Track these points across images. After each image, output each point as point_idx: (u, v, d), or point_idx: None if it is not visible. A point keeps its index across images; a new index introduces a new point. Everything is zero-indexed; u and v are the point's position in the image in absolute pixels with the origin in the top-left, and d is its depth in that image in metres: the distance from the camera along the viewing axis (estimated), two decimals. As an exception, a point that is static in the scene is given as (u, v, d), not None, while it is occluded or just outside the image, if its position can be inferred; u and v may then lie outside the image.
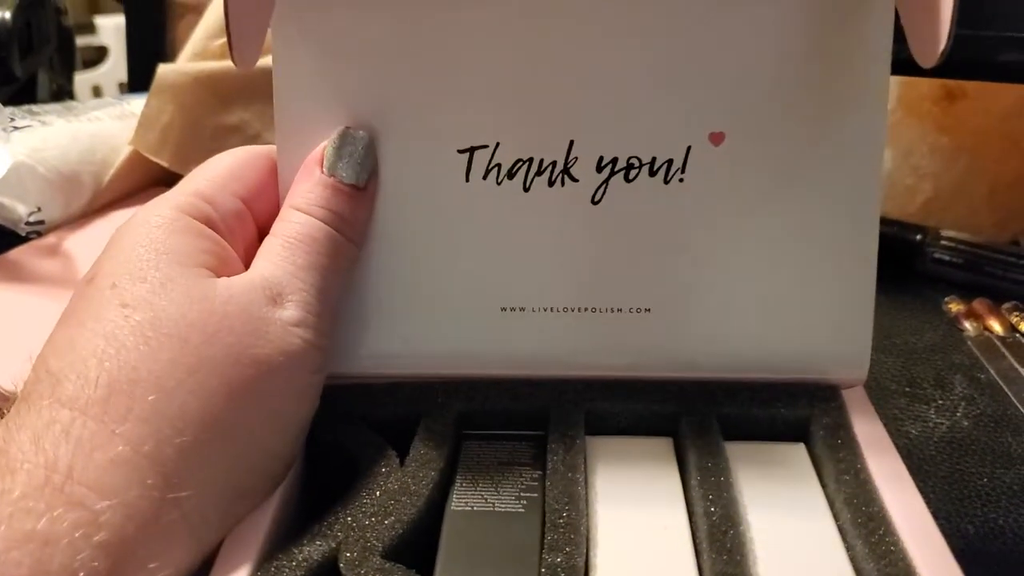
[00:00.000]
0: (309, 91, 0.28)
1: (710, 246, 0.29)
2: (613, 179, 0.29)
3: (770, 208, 0.29)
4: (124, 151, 0.53)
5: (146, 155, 0.52)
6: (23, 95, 0.62)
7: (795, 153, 0.28)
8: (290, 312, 0.25)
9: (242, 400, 0.24)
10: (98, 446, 0.21)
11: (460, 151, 0.28)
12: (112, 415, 0.22)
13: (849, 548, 0.25)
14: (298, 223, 0.27)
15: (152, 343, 0.23)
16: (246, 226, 0.28)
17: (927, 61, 0.25)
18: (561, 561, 0.23)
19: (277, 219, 0.27)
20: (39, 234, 0.48)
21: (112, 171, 0.52)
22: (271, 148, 0.29)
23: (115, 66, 1.06)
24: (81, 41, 0.99)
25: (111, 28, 1.08)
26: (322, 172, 0.28)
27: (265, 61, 0.28)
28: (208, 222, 0.27)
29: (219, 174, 0.28)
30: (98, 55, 1.10)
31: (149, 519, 0.21)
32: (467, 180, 0.29)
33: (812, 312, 0.29)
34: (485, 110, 0.28)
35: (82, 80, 1.01)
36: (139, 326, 0.23)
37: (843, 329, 0.30)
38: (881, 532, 0.24)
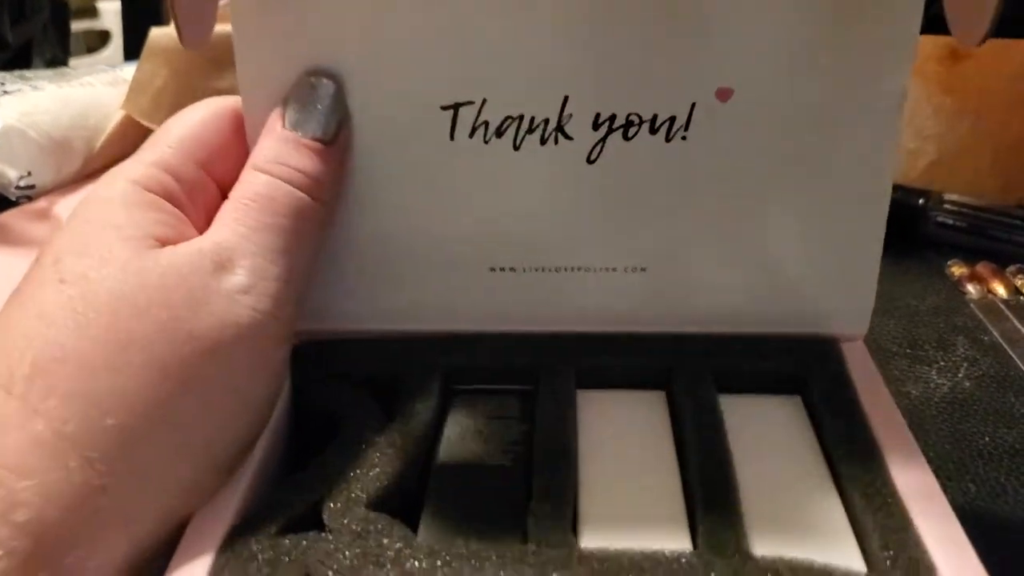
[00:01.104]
0: (272, 40, 0.26)
1: (711, 205, 0.28)
2: (611, 137, 0.27)
3: (777, 166, 0.27)
4: (116, 116, 0.52)
5: (138, 119, 0.51)
6: (18, 65, 0.61)
7: (808, 111, 0.26)
8: (238, 278, 0.23)
9: (179, 382, 0.22)
10: (18, 425, 0.20)
11: (444, 108, 0.26)
12: (35, 394, 0.20)
13: (846, 501, 0.24)
14: (255, 183, 0.25)
15: (81, 319, 0.21)
16: (210, 196, 0.26)
17: (970, 40, 0.23)
18: (549, 510, 0.23)
19: (237, 181, 0.25)
20: (29, 198, 0.47)
21: (104, 136, 0.51)
22: (239, 101, 0.27)
23: (117, 50, 1.05)
24: (83, 25, 0.98)
25: (113, 12, 1.07)
26: (283, 127, 0.25)
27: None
28: (169, 195, 0.25)
29: (182, 138, 0.26)
30: (101, 40, 1.09)
31: (72, 503, 0.20)
32: (452, 139, 0.27)
33: (814, 267, 0.28)
34: (470, 64, 0.26)
35: (84, 65, 1.00)
36: (70, 302, 0.22)
37: (846, 283, 0.29)
38: (879, 485, 0.23)
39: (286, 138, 0.25)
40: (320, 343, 0.29)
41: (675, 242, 0.28)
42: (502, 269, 0.29)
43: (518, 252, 0.29)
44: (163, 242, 0.23)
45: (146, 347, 0.21)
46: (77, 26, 0.92)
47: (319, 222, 0.26)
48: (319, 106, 0.26)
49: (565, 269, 0.29)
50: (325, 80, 0.26)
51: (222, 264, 0.23)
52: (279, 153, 0.25)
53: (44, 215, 0.46)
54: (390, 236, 0.28)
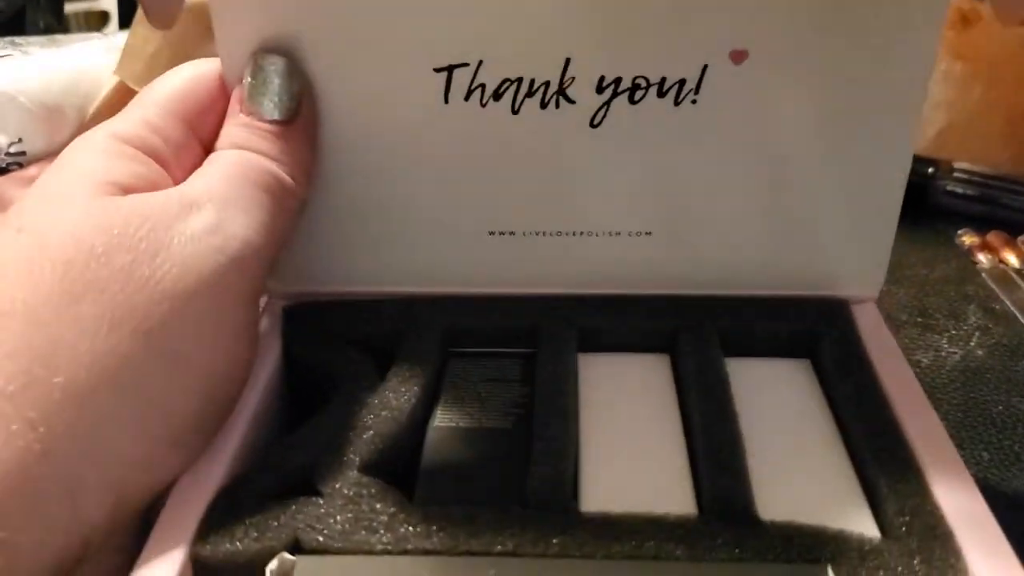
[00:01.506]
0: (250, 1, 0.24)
1: (721, 169, 0.27)
2: (615, 101, 0.26)
3: (792, 130, 0.26)
4: (109, 82, 0.51)
5: (131, 85, 0.50)
6: (12, 32, 0.60)
7: (828, 74, 0.25)
8: (205, 216, 0.22)
9: (133, 335, 0.20)
10: None
11: (437, 70, 0.25)
12: None
13: (859, 463, 0.23)
14: (227, 154, 0.24)
15: (35, 268, 0.20)
16: (195, 156, 0.25)
17: (1009, 20, 0.21)
18: (549, 472, 0.22)
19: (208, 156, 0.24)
20: (20, 165, 0.46)
21: (96, 103, 0.50)
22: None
23: (116, 30, 1.03)
24: (83, 6, 0.96)
25: (112, -9, 1.05)
26: (240, 111, 0.25)
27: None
28: (151, 152, 0.23)
29: (167, 97, 0.24)
30: (101, 20, 1.08)
31: (10, 470, 0.18)
32: (446, 102, 0.25)
33: (827, 228, 0.27)
34: (464, 24, 0.25)
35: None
36: (25, 249, 0.20)
37: (860, 244, 0.28)
38: (892, 447, 0.22)
39: (245, 123, 0.24)
40: (315, 304, 0.28)
41: (682, 206, 0.27)
42: (501, 233, 0.28)
43: (518, 217, 0.28)
44: (134, 192, 0.22)
45: (99, 297, 0.20)
46: (76, 7, 0.91)
47: (292, 194, 0.25)
48: (271, 87, 0.25)
49: (567, 234, 0.28)
50: (273, 58, 0.25)
51: (189, 206, 0.22)
52: (241, 138, 0.24)
53: (34, 182, 0.45)
54: (385, 199, 0.27)
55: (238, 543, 0.20)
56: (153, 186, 0.23)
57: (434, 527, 0.20)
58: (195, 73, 0.25)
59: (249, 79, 0.25)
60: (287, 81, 0.25)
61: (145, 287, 0.20)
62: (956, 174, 0.49)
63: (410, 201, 0.27)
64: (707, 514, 0.21)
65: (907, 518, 0.20)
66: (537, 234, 0.28)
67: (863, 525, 0.21)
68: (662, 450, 0.24)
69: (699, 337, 0.27)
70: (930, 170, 0.50)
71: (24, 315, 0.19)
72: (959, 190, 0.49)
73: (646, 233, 0.28)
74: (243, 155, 0.24)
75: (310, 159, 0.26)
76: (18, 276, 0.20)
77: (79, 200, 0.21)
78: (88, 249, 0.20)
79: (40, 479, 0.18)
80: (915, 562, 0.19)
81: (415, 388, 0.25)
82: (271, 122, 0.24)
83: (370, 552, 0.20)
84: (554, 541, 0.20)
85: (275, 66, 0.25)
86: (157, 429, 0.21)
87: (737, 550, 0.20)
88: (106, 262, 0.20)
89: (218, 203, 0.22)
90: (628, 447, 0.24)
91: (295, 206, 0.25)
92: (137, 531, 0.21)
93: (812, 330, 0.27)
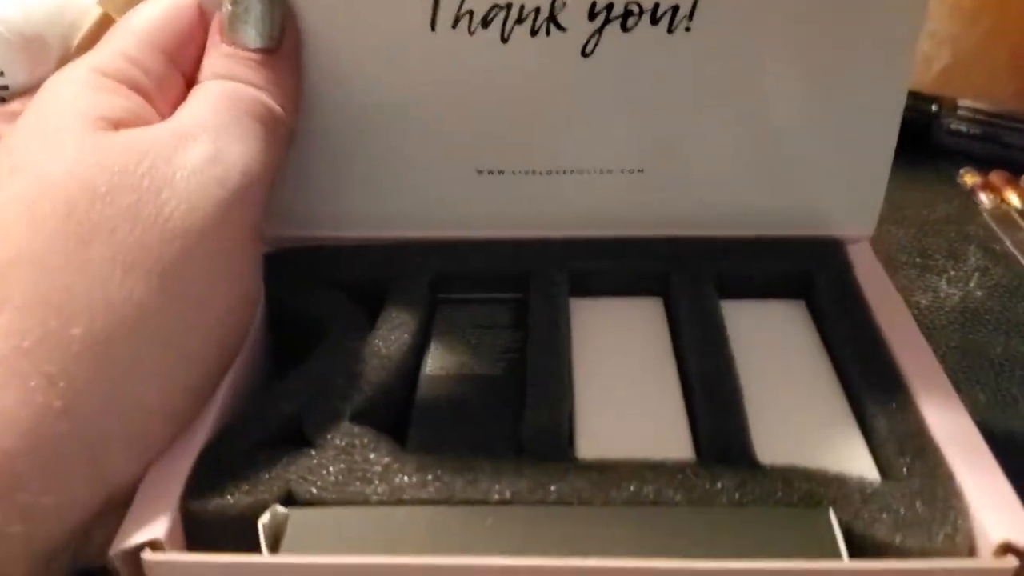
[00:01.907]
0: None
1: (714, 101, 0.26)
2: (607, 28, 0.25)
3: (787, 61, 0.25)
4: (94, 13, 0.49)
5: (114, 17, 0.48)
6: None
7: (821, 3, 0.24)
8: (203, 147, 0.21)
9: (146, 278, 0.19)
10: None
11: None
12: None
13: (855, 403, 0.23)
14: (212, 85, 0.23)
15: (36, 211, 0.19)
16: (177, 88, 0.24)
17: None
18: (543, 419, 0.22)
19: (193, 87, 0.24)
20: (3, 99, 0.45)
21: (80, 34, 0.49)
22: None
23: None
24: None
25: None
26: (221, 41, 0.24)
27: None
28: (133, 84, 0.23)
29: (145, 29, 0.24)
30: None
31: (30, 429, 0.17)
32: (433, 29, 0.25)
33: (822, 166, 0.27)
34: None
35: None
36: (23, 192, 0.19)
37: (854, 182, 0.27)
38: (891, 388, 0.22)
39: (228, 53, 0.24)
40: (299, 250, 0.28)
41: (676, 141, 0.27)
42: (490, 172, 0.27)
43: (507, 153, 0.27)
44: (124, 127, 0.21)
45: (109, 238, 0.19)
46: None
47: (282, 123, 0.24)
48: (253, 14, 0.24)
49: (558, 172, 0.27)
50: None
51: (184, 137, 0.21)
52: (224, 68, 0.23)
53: (17, 117, 0.44)
54: (370, 137, 0.27)
55: (229, 496, 0.20)
56: (141, 120, 0.22)
57: (429, 476, 0.20)
58: (172, 3, 0.24)
59: (229, 7, 0.24)
60: (269, 8, 0.24)
61: (154, 226, 0.20)
62: (960, 111, 0.48)
63: (396, 138, 0.27)
64: (705, 458, 0.21)
65: (908, 459, 0.20)
66: (527, 173, 0.27)
67: (863, 467, 0.21)
68: (657, 394, 0.24)
69: (693, 279, 0.26)
70: (933, 108, 0.49)
71: (31, 263, 0.19)
72: (962, 128, 0.48)
73: (638, 171, 0.27)
74: (230, 85, 0.23)
75: (297, 87, 0.25)
76: (18, 221, 0.19)
77: (72, 137, 0.20)
78: (90, 189, 0.20)
79: (61, 437, 0.18)
80: (917, 504, 0.19)
81: (405, 335, 0.24)
82: (255, 50, 0.24)
83: (365, 503, 0.20)
84: (552, 489, 0.20)
85: None
86: (177, 376, 0.21)
87: (737, 494, 0.19)
88: (111, 202, 0.20)
89: (212, 133, 0.22)
90: (623, 392, 0.24)
91: (286, 135, 0.25)
92: None
93: (807, 270, 0.27)
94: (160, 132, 0.21)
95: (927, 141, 0.49)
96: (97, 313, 0.19)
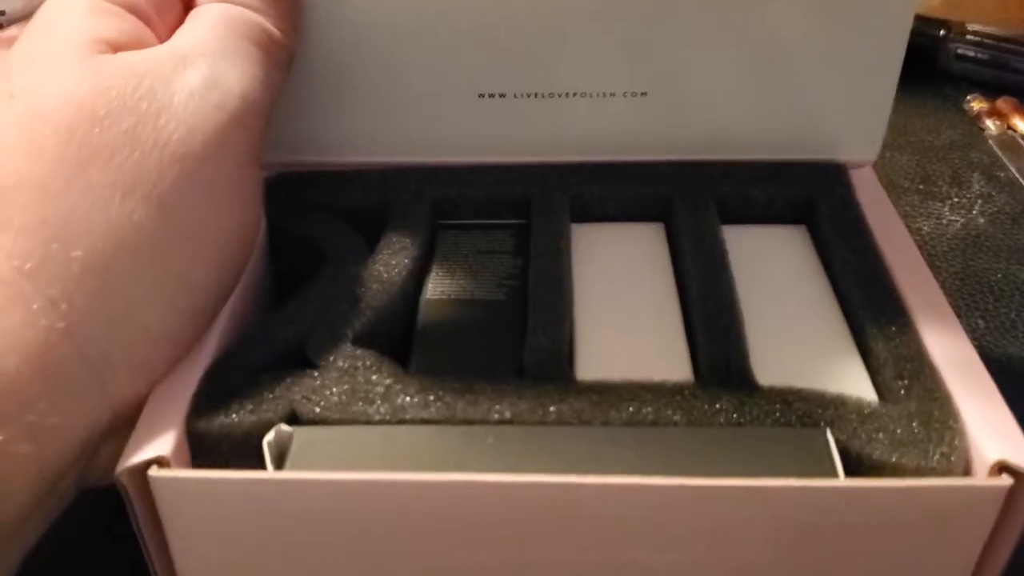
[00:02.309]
0: None
1: (719, 23, 0.26)
2: None
3: None
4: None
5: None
6: None
7: None
8: (201, 72, 0.21)
9: (147, 201, 0.19)
10: None
11: None
12: None
13: (855, 327, 0.23)
14: (211, 8, 0.23)
15: (36, 136, 0.19)
16: (173, 11, 0.24)
17: None
18: (544, 342, 0.22)
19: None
20: (0, 26, 0.44)
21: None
22: None
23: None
24: None
25: None
26: None
27: None
28: (132, 8, 0.22)
29: None
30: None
31: (35, 351, 0.17)
32: None
33: (824, 90, 0.27)
34: None
35: None
36: (22, 117, 0.19)
37: (858, 106, 0.27)
38: (890, 311, 0.22)
39: None
40: (299, 175, 0.28)
41: (680, 64, 0.26)
42: (491, 95, 0.27)
43: (508, 76, 0.27)
44: (122, 50, 0.21)
45: (109, 162, 0.19)
46: None
47: (281, 46, 0.24)
48: None
49: (559, 95, 0.27)
50: None
51: (182, 61, 0.21)
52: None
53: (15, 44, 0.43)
54: (369, 60, 0.26)
55: (234, 416, 0.20)
56: (139, 43, 0.22)
57: (431, 397, 0.20)
58: None
59: None
60: None
61: (152, 150, 0.20)
62: (968, 36, 0.47)
63: (396, 62, 0.26)
64: (704, 380, 0.21)
65: (905, 382, 0.21)
66: (529, 96, 0.27)
67: (861, 389, 0.21)
68: (658, 318, 0.24)
69: (695, 204, 0.26)
70: (941, 32, 0.48)
71: (32, 187, 0.19)
72: (970, 53, 0.47)
73: (641, 94, 0.27)
74: (228, 8, 0.23)
75: (296, 10, 0.25)
76: (19, 146, 0.19)
77: (70, 61, 0.20)
78: (89, 113, 0.19)
79: (65, 358, 0.18)
80: (914, 424, 0.19)
81: (406, 260, 0.24)
82: None
83: (368, 423, 0.20)
84: (551, 409, 0.20)
85: None
86: (179, 300, 0.21)
87: (735, 415, 0.20)
88: (110, 125, 0.19)
89: (210, 57, 0.21)
90: (623, 315, 0.24)
91: (285, 60, 0.24)
92: None
93: (809, 195, 0.27)
94: (158, 55, 0.21)
95: (934, 66, 0.48)
96: (97, 236, 0.19)
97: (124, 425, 0.20)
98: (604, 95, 0.27)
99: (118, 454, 0.19)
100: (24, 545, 0.19)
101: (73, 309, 0.18)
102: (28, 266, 0.18)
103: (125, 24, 0.22)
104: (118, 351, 0.19)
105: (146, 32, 0.22)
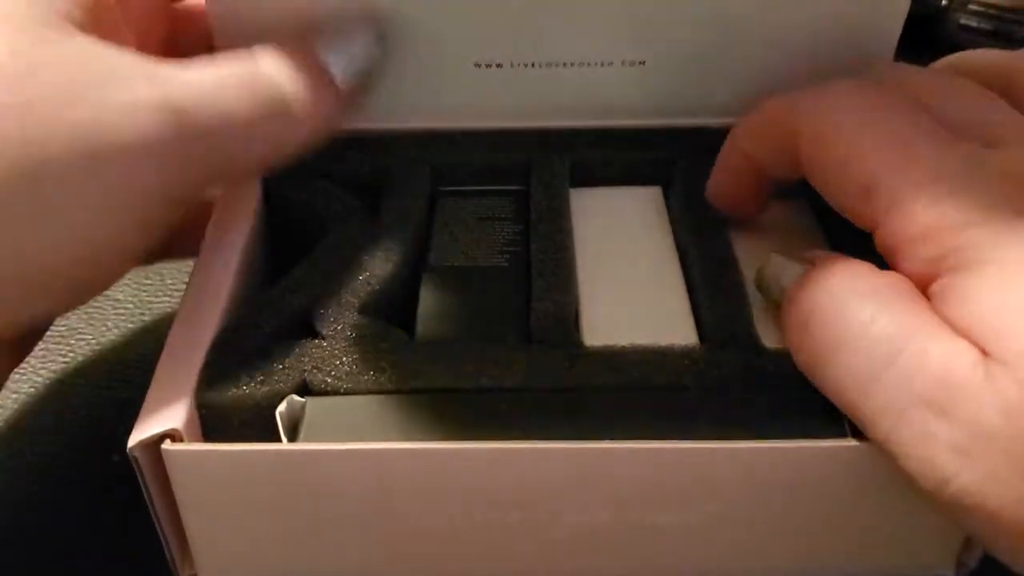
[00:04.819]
0: None
1: None
2: None
3: None
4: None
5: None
6: None
7: None
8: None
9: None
10: None
11: None
12: None
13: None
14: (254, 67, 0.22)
15: None
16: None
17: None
18: (551, 308, 0.23)
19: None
20: None
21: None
22: None
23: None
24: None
25: None
26: (315, 54, 0.24)
27: None
28: None
29: None
30: None
31: None
32: None
33: (823, 57, 0.28)
34: None
35: None
36: None
37: (854, 76, 0.28)
38: None
39: (311, 68, 0.23)
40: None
41: (679, 31, 0.27)
42: (488, 65, 0.28)
43: (504, 45, 0.27)
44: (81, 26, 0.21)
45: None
46: None
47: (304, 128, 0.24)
48: (354, 52, 0.24)
49: (557, 64, 0.28)
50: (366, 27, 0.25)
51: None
52: (299, 79, 0.23)
53: None
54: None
55: (244, 387, 0.21)
56: (101, 20, 0.21)
57: (442, 365, 0.21)
58: None
59: (341, 39, 0.24)
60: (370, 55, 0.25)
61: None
62: (971, 6, 0.49)
63: (391, 31, 0.27)
64: (710, 342, 0.22)
65: None
66: (525, 65, 0.28)
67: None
68: (660, 281, 0.25)
69: (694, 168, 0.27)
70: (943, 2, 0.49)
71: None
72: (973, 24, 0.48)
73: (640, 62, 0.28)
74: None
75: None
76: None
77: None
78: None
79: None
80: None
81: (407, 228, 0.25)
82: (341, 81, 0.24)
83: (379, 392, 0.21)
84: (563, 375, 0.21)
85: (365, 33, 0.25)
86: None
87: (744, 377, 0.21)
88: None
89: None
90: (626, 280, 0.25)
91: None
92: None
93: None
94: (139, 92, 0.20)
95: (936, 37, 0.49)
96: None
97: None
98: (602, 64, 0.28)
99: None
100: None
101: None
102: None
103: None
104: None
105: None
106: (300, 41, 0.24)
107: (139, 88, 0.20)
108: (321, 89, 0.23)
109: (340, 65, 0.24)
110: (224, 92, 0.22)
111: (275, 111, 0.22)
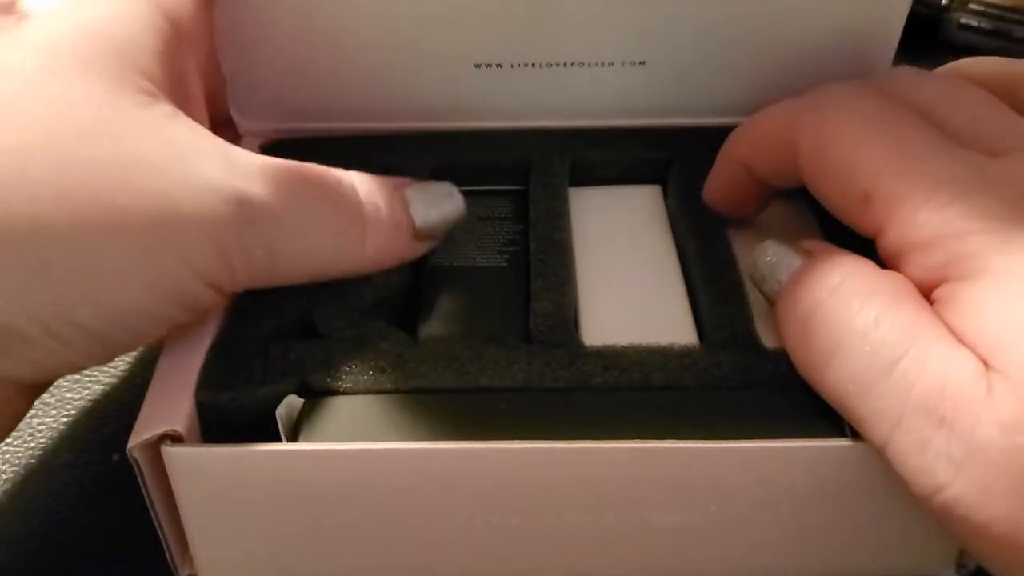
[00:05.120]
0: None
1: None
2: None
3: None
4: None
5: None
6: None
7: None
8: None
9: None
10: None
11: None
12: None
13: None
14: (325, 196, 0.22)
15: None
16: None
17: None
18: (550, 308, 0.23)
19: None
20: None
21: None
22: None
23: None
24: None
25: None
26: (408, 210, 0.24)
27: None
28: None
29: None
30: None
31: None
32: None
33: (821, 58, 0.28)
34: None
35: None
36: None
37: (854, 74, 0.28)
38: None
39: (393, 200, 0.23)
40: (293, 142, 0.28)
41: (679, 31, 0.27)
42: (488, 65, 0.28)
43: (504, 46, 0.27)
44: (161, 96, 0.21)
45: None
46: None
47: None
48: (439, 201, 0.24)
49: (557, 64, 0.28)
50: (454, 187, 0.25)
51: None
52: (380, 207, 0.23)
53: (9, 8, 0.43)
54: (364, 28, 0.27)
55: (244, 388, 0.21)
56: (180, 88, 0.22)
57: (442, 365, 0.21)
58: None
59: (433, 198, 0.24)
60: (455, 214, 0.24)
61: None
62: (972, 5, 0.49)
63: (392, 31, 0.27)
64: (709, 342, 0.22)
65: None
66: (525, 65, 0.28)
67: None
68: (660, 281, 0.25)
69: (693, 168, 0.27)
70: (943, 1, 0.49)
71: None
72: (973, 23, 0.49)
73: (639, 63, 0.28)
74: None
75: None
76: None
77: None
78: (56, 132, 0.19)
79: None
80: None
81: (408, 229, 0.25)
82: (419, 229, 0.24)
83: (380, 392, 0.21)
84: (563, 375, 0.21)
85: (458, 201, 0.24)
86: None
87: (744, 377, 0.21)
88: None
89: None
90: (625, 280, 0.25)
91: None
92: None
93: None
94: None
95: (936, 37, 0.49)
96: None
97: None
98: (602, 64, 0.28)
99: None
100: None
101: None
102: None
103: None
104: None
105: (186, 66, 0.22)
106: (389, 178, 0.24)
107: (215, 170, 0.20)
108: (397, 223, 0.23)
109: (422, 208, 0.24)
110: (301, 195, 0.21)
111: (347, 229, 0.22)
